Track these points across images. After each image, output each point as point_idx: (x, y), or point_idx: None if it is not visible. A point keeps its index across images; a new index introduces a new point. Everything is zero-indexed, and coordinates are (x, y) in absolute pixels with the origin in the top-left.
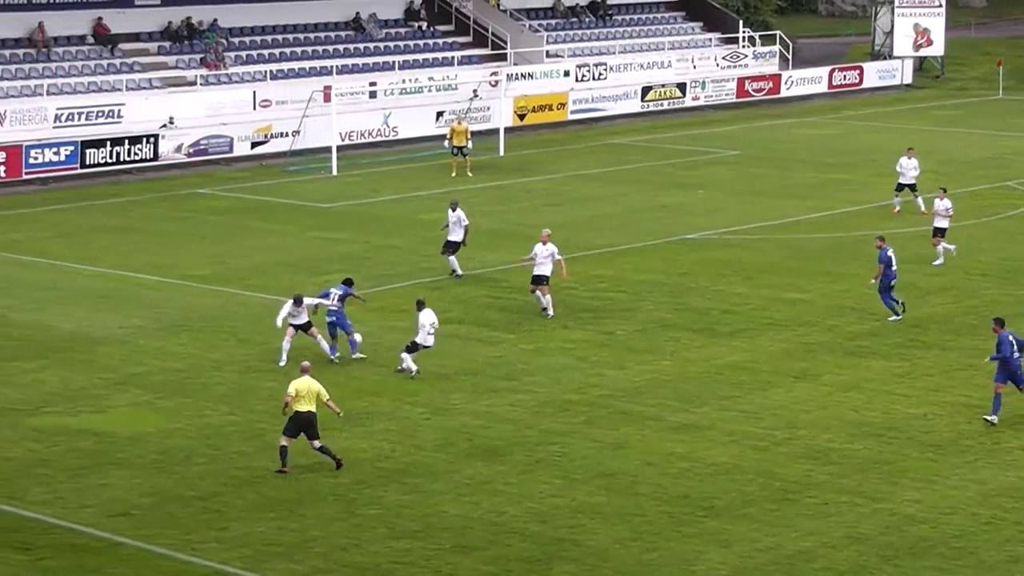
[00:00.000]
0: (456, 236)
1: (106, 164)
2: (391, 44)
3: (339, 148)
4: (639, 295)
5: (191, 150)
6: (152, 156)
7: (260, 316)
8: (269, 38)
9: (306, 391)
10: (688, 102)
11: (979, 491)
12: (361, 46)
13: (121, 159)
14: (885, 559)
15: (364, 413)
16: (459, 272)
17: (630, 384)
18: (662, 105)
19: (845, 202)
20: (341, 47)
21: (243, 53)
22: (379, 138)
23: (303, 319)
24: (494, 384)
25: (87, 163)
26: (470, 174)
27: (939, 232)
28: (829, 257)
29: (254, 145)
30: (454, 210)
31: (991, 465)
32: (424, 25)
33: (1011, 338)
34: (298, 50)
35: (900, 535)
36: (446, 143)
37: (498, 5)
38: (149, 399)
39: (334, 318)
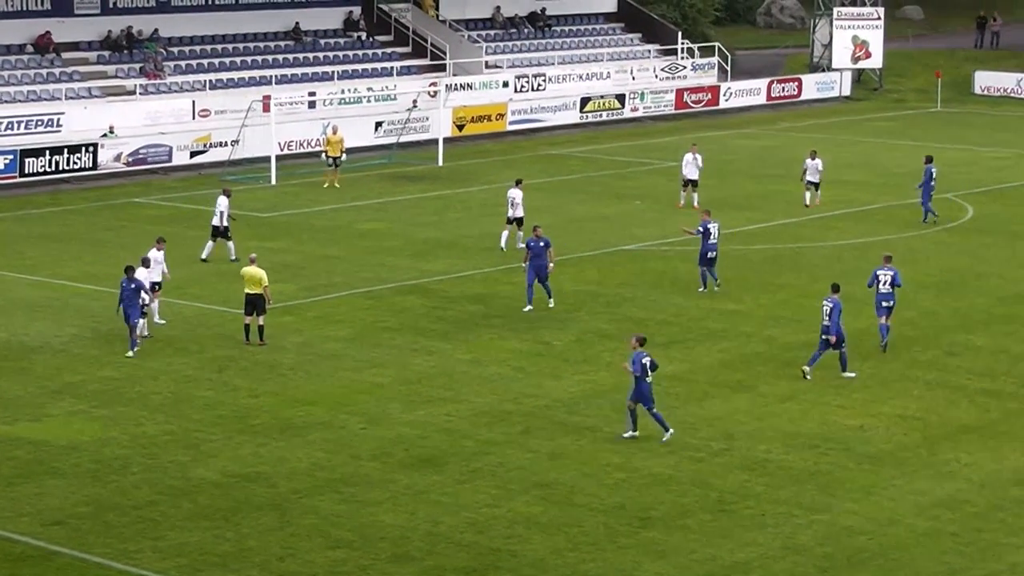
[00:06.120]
0: None
1: (45, 173)
2: (330, 54)
3: (278, 158)
4: (576, 305)
5: (130, 159)
6: (91, 165)
7: (196, 325)
8: (208, 47)
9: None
10: (627, 113)
11: (916, 502)
12: (300, 56)
13: (60, 168)
14: (822, 570)
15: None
16: None
17: (567, 394)
18: (601, 116)
19: (782, 213)
20: (280, 57)
21: (182, 62)
22: (318, 148)
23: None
24: (430, 394)
25: (26, 172)
26: (337, 185)
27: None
28: (766, 268)
29: (193, 155)
30: None
31: (928, 477)
32: (363, 35)
33: (643, 360)
34: (237, 60)
35: (838, 546)
36: (324, 156)
37: (437, 16)
38: (85, 408)
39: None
